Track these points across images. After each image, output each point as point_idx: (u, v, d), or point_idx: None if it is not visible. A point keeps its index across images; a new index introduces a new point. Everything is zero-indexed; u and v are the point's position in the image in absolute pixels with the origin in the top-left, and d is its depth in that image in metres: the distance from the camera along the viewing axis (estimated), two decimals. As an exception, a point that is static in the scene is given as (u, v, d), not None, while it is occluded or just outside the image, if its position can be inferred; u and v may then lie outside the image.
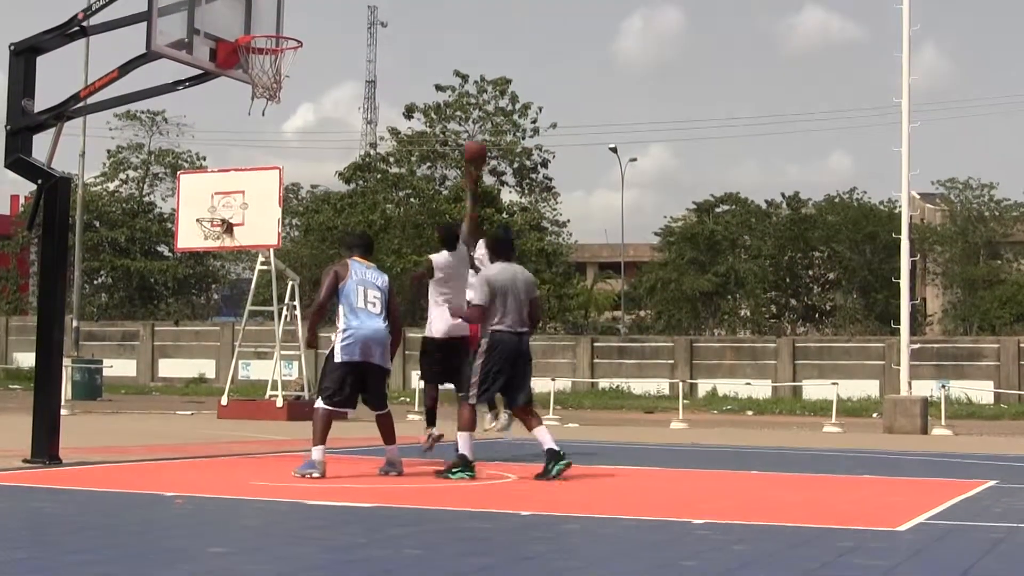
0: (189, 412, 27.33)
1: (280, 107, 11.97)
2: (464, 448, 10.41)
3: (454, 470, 10.40)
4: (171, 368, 50.98)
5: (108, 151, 62.61)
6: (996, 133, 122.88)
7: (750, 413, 35.58)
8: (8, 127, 11.55)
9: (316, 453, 10.27)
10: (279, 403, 23.58)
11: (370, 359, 10.45)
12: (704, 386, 43.49)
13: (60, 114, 11.58)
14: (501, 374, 10.51)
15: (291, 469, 10.55)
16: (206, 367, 50.19)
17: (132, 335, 52.53)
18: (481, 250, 11.63)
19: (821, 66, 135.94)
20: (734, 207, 60.42)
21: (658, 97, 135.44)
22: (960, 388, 38.65)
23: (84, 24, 11.50)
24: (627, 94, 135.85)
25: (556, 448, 10.40)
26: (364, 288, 10.51)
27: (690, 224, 60.53)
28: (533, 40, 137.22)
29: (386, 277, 10.80)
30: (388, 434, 10.80)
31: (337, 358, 10.40)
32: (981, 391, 39.35)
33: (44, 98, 11.61)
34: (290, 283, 24.94)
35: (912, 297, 25.70)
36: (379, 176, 58.66)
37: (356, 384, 10.50)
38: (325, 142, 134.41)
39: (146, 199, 63.14)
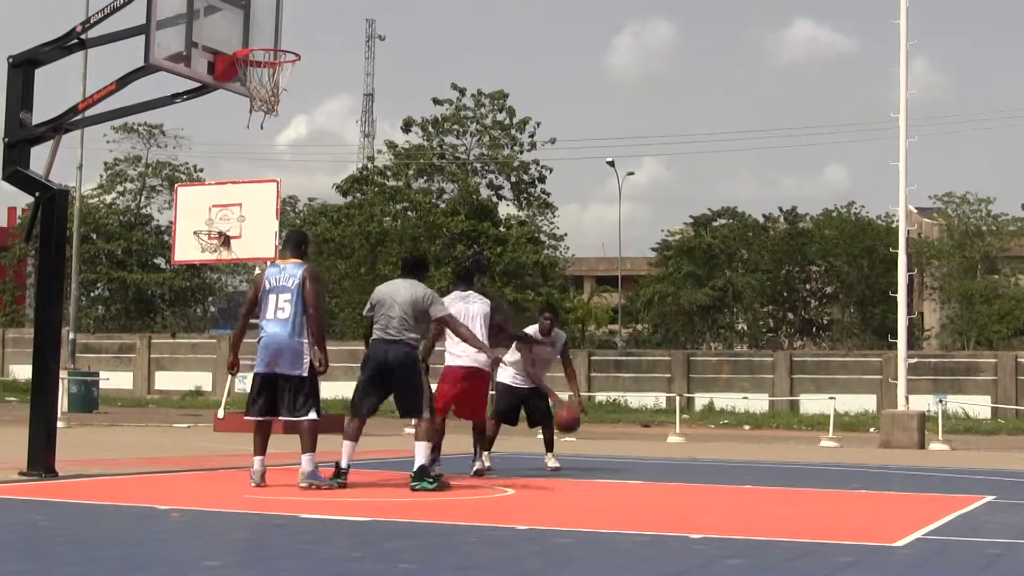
0: (185, 425, 27.29)
1: (274, 119, 11.98)
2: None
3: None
4: (167, 381, 50.91)
5: (105, 163, 62.74)
6: (993, 147, 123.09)
7: (747, 427, 35.55)
8: (6, 139, 11.54)
9: (254, 463, 10.56)
10: (276, 416, 23.51)
11: (275, 368, 10.39)
12: (701, 400, 43.47)
13: (58, 126, 11.58)
14: (370, 384, 10.82)
15: (286, 482, 10.54)
16: (202, 380, 50.14)
17: (129, 347, 52.48)
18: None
19: (813, 79, 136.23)
20: (731, 221, 60.48)
21: (650, 111, 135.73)
22: (957, 403, 38.63)
23: (83, 37, 11.51)
24: (619, 108, 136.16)
25: (424, 465, 10.60)
26: (276, 295, 10.43)
27: (687, 238, 60.57)
28: (525, 55, 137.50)
29: (299, 271, 10.46)
30: (302, 441, 10.55)
31: (255, 370, 10.53)
32: (978, 406, 39.32)
33: (42, 110, 11.63)
34: (287, 296, 24.90)
35: (909, 311, 25.70)
36: (376, 189, 58.68)
37: (270, 394, 10.45)
38: (319, 155, 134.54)
39: (143, 211, 63.18)
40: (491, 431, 13.47)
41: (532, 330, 13.77)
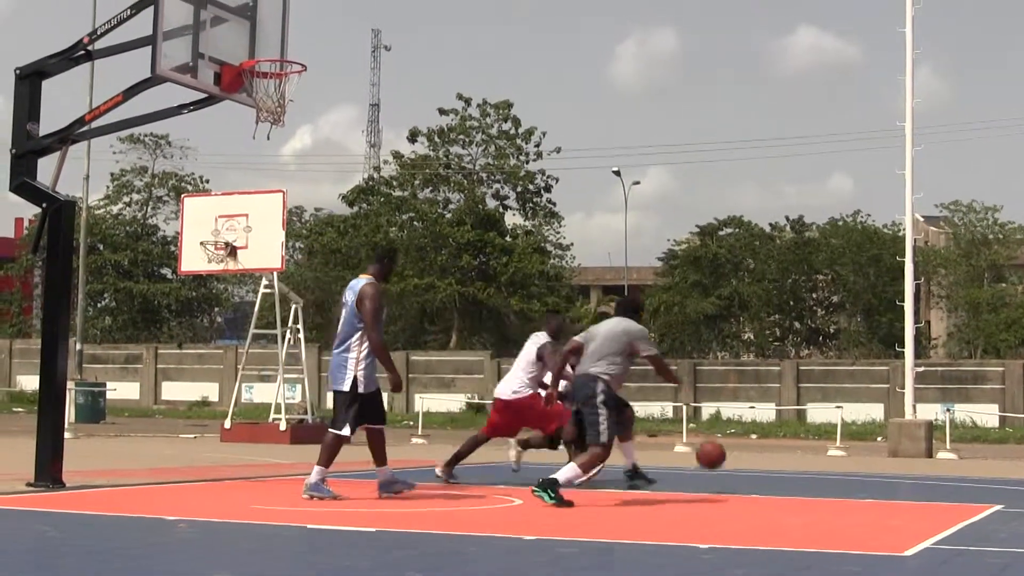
0: (192, 435, 27.29)
1: (280, 129, 11.98)
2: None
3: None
4: (174, 391, 50.90)
5: (112, 174, 62.73)
6: (999, 155, 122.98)
7: (754, 436, 35.48)
8: (13, 151, 11.56)
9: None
10: (282, 426, 23.53)
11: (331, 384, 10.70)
12: (708, 409, 43.39)
13: (65, 138, 11.60)
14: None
15: (293, 493, 10.54)
16: (209, 390, 50.13)
17: (135, 358, 52.49)
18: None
19: (818, 87, 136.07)
20: (737, 230, 60.44)
21: (656, 120, 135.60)
22: (965, 411, 38.52)
23: (89, 48, 11.54)
24: (625, 117, 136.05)
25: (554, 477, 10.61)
26: (343, 310, 10.66)
27: (693, 247, 60.54)
28: (530, 64, 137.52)
29: (356, 288, 10.58)
30: (319, 451, 10.65)
31: None
32: (986, 414, 39.22)
33: (49, 122, 11.65)
34: (293, 306, 24.95)
35: (916, 320, 25.64)
36: (382, 199, 58.70)
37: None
38: (324, 165, 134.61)
39: (149, 222, 63.22)
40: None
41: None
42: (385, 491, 10.76)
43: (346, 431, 10.46)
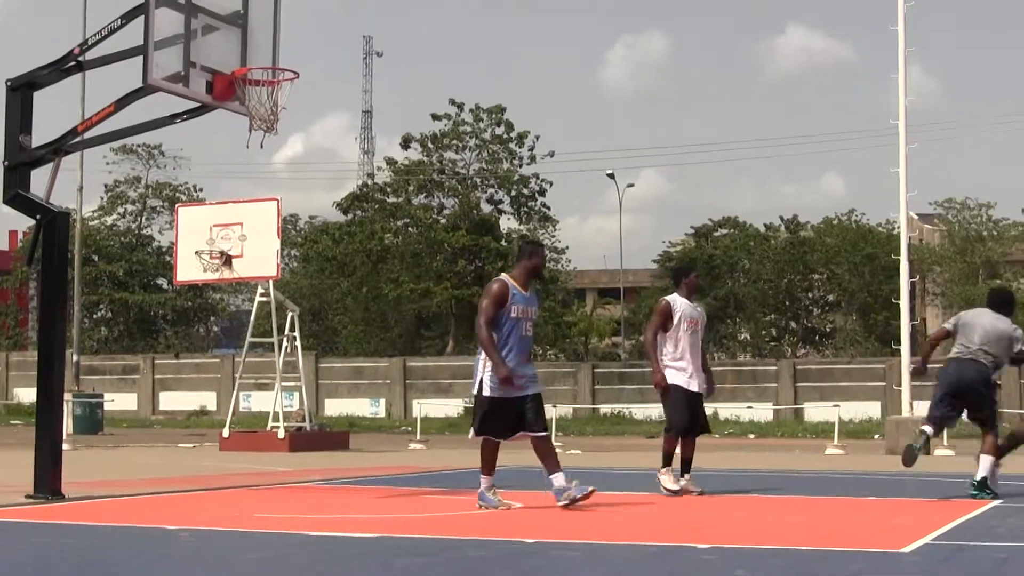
0: (191, 445, 27.26)
1: (273, 137, 11.93)
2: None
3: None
4: (172, 401, 50.89)
5: (105, 185, 62.73)
6: (992, 152, 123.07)
7: (752, 436, 35.51)
8: (6, 163, 11.55)
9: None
10: (281, 434, 23.52)
11: None
12: (705, 409, 43.32)
13: (57, 149, 11.58)
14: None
15: (294, 500, 10.53)
16: (207, 399, 50.11)
17: (132, 368, 52.47)
18: None
19: (808, 87, 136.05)
20: (732, 231, 60.50)
21: (648, 122, 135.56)
22: (962, 408, 38.48)
23: (80, 59, 11.52)
24: (616, 120, 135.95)
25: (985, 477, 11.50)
26: None
27: (688, 249, 60.60)
28: (522, 69, 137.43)
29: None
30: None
31: None
32: (983, 410, 39.16)
33: (41, 133, 11.63)
34: (290, 314, 24.92)
35: (912, 318, 25.65)
36: (377, 206, 58.70)
37: None
38: (317, 172, 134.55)
39: (144, 232, 63.21)
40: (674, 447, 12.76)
41: (673, 298, 12.33)
42: (560, 499, 10.20)
43: (471, 434, 10.21)
